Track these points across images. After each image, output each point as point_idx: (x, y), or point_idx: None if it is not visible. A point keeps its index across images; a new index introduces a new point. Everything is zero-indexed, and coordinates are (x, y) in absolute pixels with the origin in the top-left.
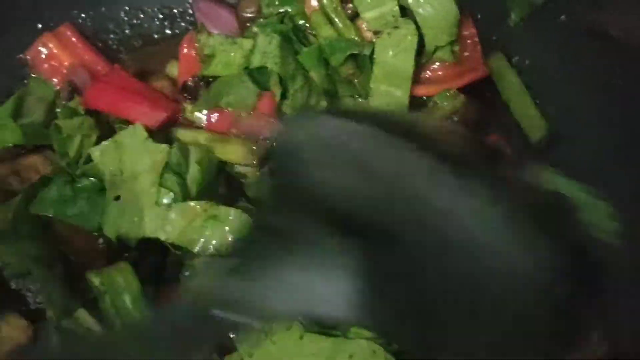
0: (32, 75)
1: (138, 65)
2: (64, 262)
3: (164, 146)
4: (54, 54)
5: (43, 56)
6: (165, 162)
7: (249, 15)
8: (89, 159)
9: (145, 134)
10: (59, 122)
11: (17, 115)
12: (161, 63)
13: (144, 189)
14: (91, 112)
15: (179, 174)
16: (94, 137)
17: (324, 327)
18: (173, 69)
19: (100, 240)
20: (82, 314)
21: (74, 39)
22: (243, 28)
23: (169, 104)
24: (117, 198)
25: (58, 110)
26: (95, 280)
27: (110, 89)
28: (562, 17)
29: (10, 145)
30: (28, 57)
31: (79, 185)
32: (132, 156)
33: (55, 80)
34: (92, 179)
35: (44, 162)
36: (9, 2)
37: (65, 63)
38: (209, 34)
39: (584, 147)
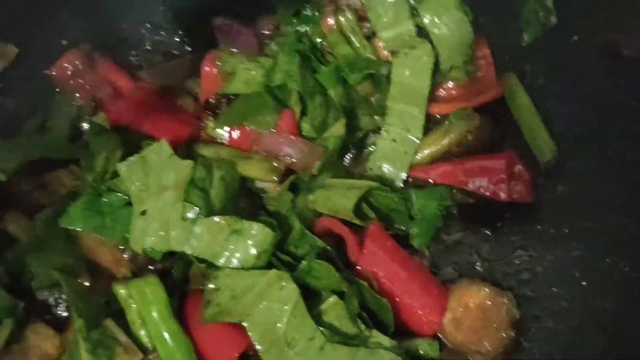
0: (57, 90)
1: (158, 81)
2: (90, 274)
3: (189, 162)
4: (79, 70)
5: (68, 72)
6: (190, 177)
7: (267, 32)
8: (115, 174)
9: (170, 150)
10: (87, 137)
11: (42, 130)
12: (181, 79)
13: (170, 204)
14: (117, 129)
15: (204, 189)
16: (119, 153)
17: (345, 337)
18: (194, 86)
19: (125, 254)
20: (110, 324)
21: (96, 55)
22: (261, 45)
23: (191, 120)
24: (143, 212)
25: (83, 124)
26: (122, 292)
27: (135, 105)
28: (575, 37)
29: (36, 159)
30: (54, 72)
31: (105, 200)
32: (157, 172)
33: (78, 95)
34: (118, 194)
35: (69, 177)
36: (35, 19)
37: (89, 79)
38: (230, 52)
39: (594, 167)
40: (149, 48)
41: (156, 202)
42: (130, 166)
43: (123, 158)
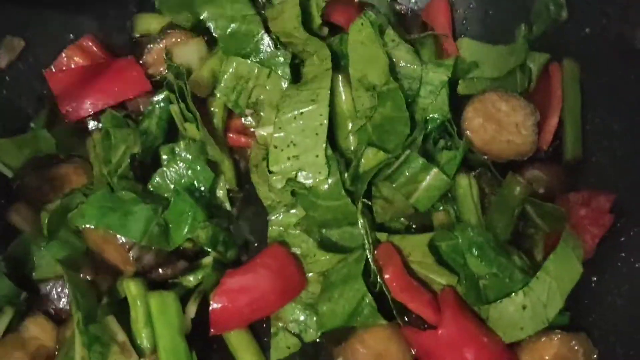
0: None
1: None
2: (93, 269)
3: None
4: (80, 65)
5: (68, 68)
6: None
7: None
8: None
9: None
10: (108, 128)
11: (50, 124)
12: None
13: None
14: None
15: None
16: (136, 149)
17: None
18: None
19: (131, 253)
20: (111, 321)
21: (95, 49)
22: None
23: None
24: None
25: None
26: (128, 288)
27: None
28: (587, 30)
29: (43, 154)
30: (54, 69)
31: (119, 195)
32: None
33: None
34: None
35: (76, 172)
36: (40, 15)
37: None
38: None
39: (609, 165)
40: None
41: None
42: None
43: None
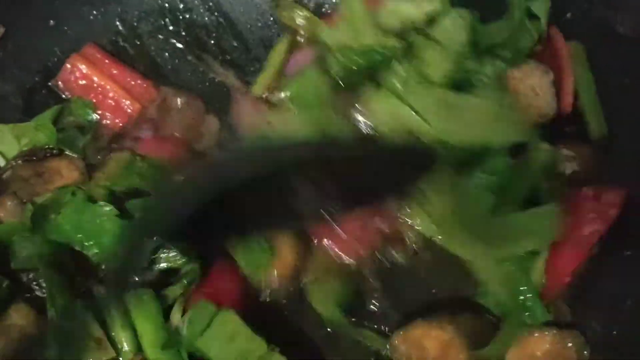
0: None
1: None
2: (75, 267)
3: None
4: (84, 74)
5: (73, 77)
6: None
7: None
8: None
9: None
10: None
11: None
12: None
13: None
14: None
15: None
16: None
17: None
18: None
19: None
20: (88, 319)
21: (99, 56)
22: None
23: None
24: None
25: None
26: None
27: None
28: (568, 14)
29: (40, 146)
30: (60, 82)
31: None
32: None
33: (91, 96)
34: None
35: (68, 167)
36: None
37: (96, 79)
38: None
39: None
40: None
41: None
42: None
43: None
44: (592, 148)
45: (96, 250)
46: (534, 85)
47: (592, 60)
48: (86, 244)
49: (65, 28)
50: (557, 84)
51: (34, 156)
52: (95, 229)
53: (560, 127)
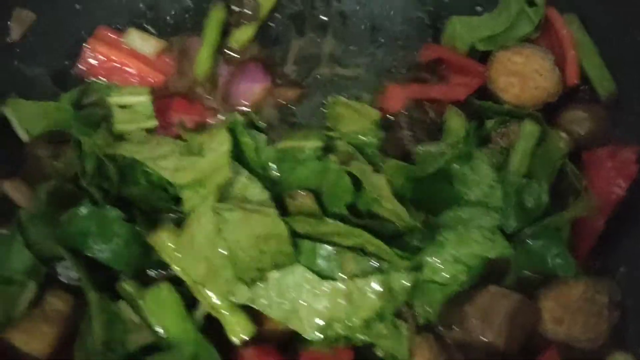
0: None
1: None
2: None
3: None
4: (104, 55)
5: (93, 60)
6: None
7: None
8: None
9: None
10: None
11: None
12: None
13: None
14: None
15: None
16: None
17: None
18: None
19: None
20: (124, 306)
21: (113, 37)
22: None
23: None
24: None
25: None
26: (130, 290)
27: None
28: None
29: (57, 130)
30: (81, 66)
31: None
32: None
33: (114, 76)
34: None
35: None
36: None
37: (114, 57)
38: None
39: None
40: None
41: None
42: None
43: None
44: (604, 107)
45: (108, 255)
46: (537, 68)
47: (591, 25)
48: (97, 248)
49: (90, 12)
50: (561, 62)
51: (54, 139)
52: (105, 234)
53: (573, 91)
